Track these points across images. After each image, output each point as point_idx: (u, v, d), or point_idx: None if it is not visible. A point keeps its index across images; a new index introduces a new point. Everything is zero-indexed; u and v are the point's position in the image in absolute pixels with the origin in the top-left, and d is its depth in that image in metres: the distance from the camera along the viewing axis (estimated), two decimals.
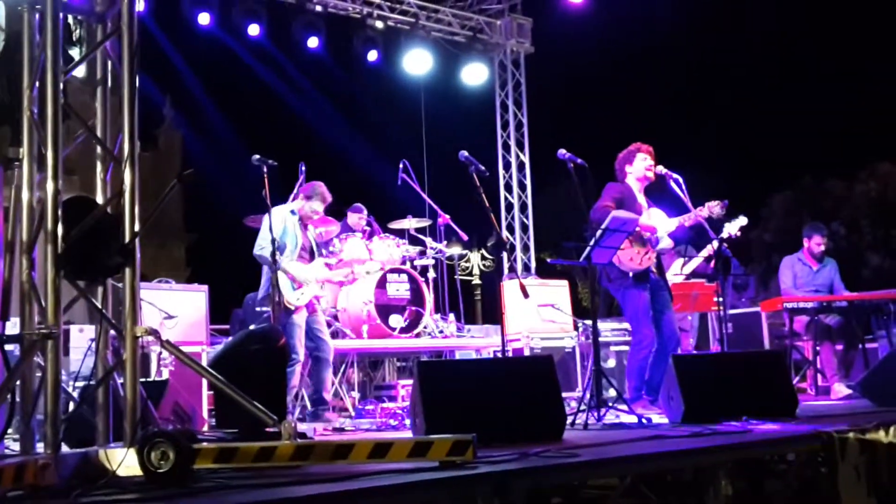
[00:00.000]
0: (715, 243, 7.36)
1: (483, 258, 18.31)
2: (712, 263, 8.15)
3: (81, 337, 7.49)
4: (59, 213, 3.68)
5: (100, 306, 3.92)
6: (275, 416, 3.74)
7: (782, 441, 4.52)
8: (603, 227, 6.30)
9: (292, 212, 7.32)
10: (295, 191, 7.80)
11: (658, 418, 5.90)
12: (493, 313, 9.17)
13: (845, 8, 24.98)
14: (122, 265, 3.77)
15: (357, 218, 9.35)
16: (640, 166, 7.05)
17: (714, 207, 6.89)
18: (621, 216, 6.42)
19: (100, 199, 4.04)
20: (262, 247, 7.04)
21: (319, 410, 7.08)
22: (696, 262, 8.91)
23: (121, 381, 3.81)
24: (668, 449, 4.11)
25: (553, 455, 3.80)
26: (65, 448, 3.84)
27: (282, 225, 7.10)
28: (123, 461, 3.48)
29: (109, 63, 4.16)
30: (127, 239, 3.79)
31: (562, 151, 6.67)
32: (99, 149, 4.07)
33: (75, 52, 4.37)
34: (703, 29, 25.22)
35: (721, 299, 7.57)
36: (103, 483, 3.33)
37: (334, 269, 8.00)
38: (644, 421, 5.65)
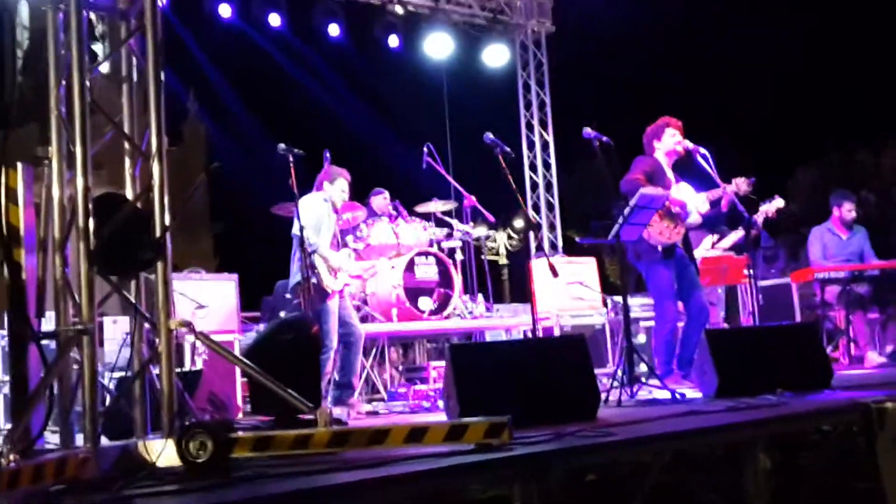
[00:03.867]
0: (748, 225, 7.31)
1: (509, 238, 18.31)
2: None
3: (115, 328, 7.56)
4: (90, 209, 3.71)
5: (133, 300, 3.96)
6: (310, 404, 3.77)
7: (819, 413, 4.49)
8: (631, 204, 6.27)
9: (325, 200, 7.33)
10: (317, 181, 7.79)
11: (691, 393, 5.89)
12: (520, 292, 9.21)
13: None
14: (154, 259, 3.81)
15: (381, 200, 9.36)
16: (669, 141, 7.01)
17: (741, 184, 6.85)
18: (649, 192, 6.39)
19: (129, 195, 4.08)
20: (308, 233, 7.04)
21: (344, 395, 7.05)
22: (729, 240, 8.88)
23: (156, 372, 3.85)
24: (704, 424, 4.10)
25: (589, 434, 3.80)
26: (104, 441, 3.90)
27: (317, 212, 7.13)
28: (162, 452, 3.53)
29: (134, 59, 4.19)
30: (157, 233, 3.82)
31: (587, 130, 6.64)
32: (127, 144, 4.10)
33: (98, 48, 4.40)
34: (726, 1, 24.99)
35: (751, 272, 7.53)
36: (143, 475, 3.37)
37: (359, 260, 8.03)
38: (678, 396, 5.64)
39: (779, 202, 7.44)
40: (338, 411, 6.48)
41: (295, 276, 7.11)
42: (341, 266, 7.17)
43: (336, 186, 7.35)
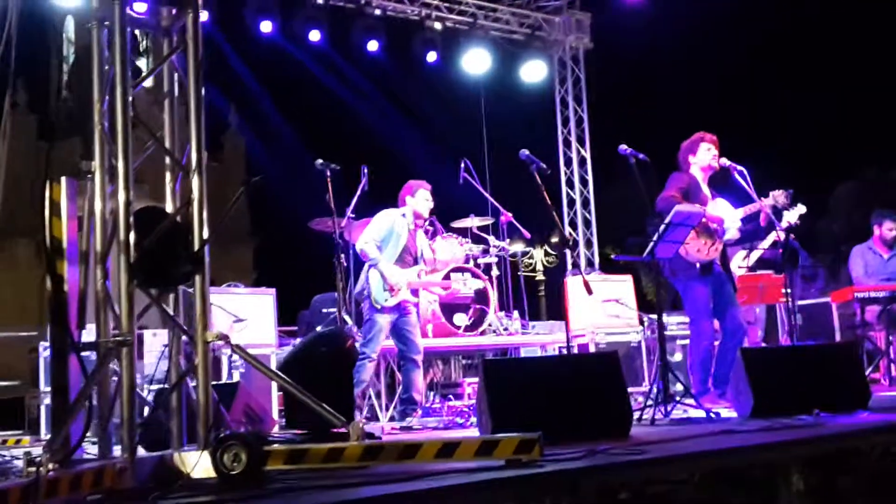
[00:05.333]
0: (780, 233, 7.26)
1: (546, 254, 18.27)
2: (779, 249, 8.04)
3: (155, 341, 7.68)
4: (131, 223, 3.78)
5: (171, 313, 4.03)
6: (343, 418, 3.80)
7: (856, 434, 4.45)
8: (666, 221, 6.24)
9: (403, 215, 7.45)
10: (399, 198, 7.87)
11: (727, 412, 5.85)
12: (557, 309, 9.19)
13: None
14: (193, 272, 3.87)
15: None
16: (704, 156, 6.98)
17: (779, 196, 6.81)
18: (685, 210, 6.36)
19: (169, 209, 4.15)
20: (365, 241, 7.29)
21: (408, 409, 7.18)
22: (758, 252, 8.79)
23: (193, 385, 3.90)
24: (737, 444, 4.09)
25: (620, 452, 3.80)
26: (141, 451, 3.96)
27: (388, 226, 7.25)
28: (198, 464, 3.57)
29: (176, 75, 4.27)
30: (196, 247, 3.88)
31: (623, 147, 6.63)
32: (168, 159, 4.18)
33: (142, 63, 4.50)
34: (763, 17, 24.84)
35: (789, 291, 7.47)
36: (179, 485, 3.42)
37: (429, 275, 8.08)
38: (712, 415, 5.60)
39: (801, 208, 7.37)
40: (388, 426, 6.60)
41: (360, 285, 7.29)
42: (398, 283, 7.21)
43: (419, 197, 7.51)
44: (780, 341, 9.48)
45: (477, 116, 14.84)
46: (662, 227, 6.24)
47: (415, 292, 7.54)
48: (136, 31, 4.85)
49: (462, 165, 9.40)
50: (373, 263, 7.16)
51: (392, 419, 7.31)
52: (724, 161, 6.93)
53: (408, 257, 7.45)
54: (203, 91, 4.01)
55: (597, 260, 13.86)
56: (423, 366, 8.87)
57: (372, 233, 7.25)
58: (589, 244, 13.93)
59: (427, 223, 9.31)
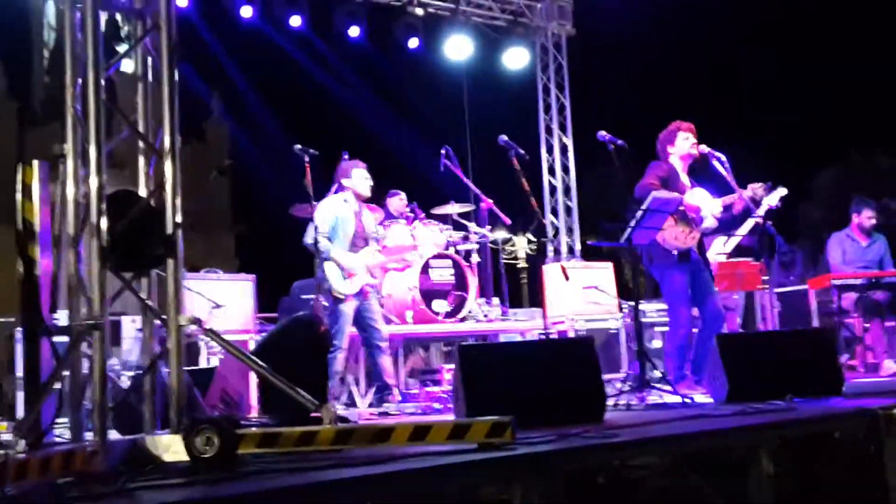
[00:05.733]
0: (757, 219, 7.30)
1: (529, 242, 18.29)
2: (755, 237, 8.09)
3: (133, 327, 7.66)
4: (104, 207, 3.77)
5: (144, 297, 4.02)
6: (316, 401, 3.81)
7: (827, 419, 4.49)
8: (643, 207, 6.27)
9: (345, 200, 7.37)
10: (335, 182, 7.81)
11: (702, 398, 5.89)
12: (538, 296, 9.19)
13: None
14: (165, 256, 3.86)
15: (398, 201, 9.41)
16: (682, 145, 7.00)
17: (757, 189, 6.85)
18: (662, 196, 6.39)
19: (143, 193, 4.14)
20: (311, 235, 7.15)
21: (385, 395, 7.18)
22: (735, 239, 8.83)
23: (166, 369, 3.90)
24: (709, 427, 4.12)
25: (592, 436, 3.82)
26: (115, 435, 3.96)
27: (333, 215, 7.17)
28: (170, 447, 3.58)
29: (150, 59, 4.25)
30: (169, 230, 3.88)
31: (602, 133, 6.66)
32: (141, 143, 4.16)
33: (124, 48, 4.46)
34: (748, 5, 24.88)
35: (767, 277, 7.51)
36: (150, 469, 3.42)
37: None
38: (687, 401, 5.65)
39: (781, 191, 7.41)
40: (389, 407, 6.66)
41: (316, 278, 7.24)
42: (356, 268, 7.20)
43: (356, 177, 7.41)
44: (758, 328, 9.54)
45: (459, 103, 14.83)
46: (639, 213, 6.27)
47: (373, 274, 7.52)
48: (118, 16, 4.82)
49: (443, 152, 9.39)
50: (325, 256, 7.07)
51: (371, 405, 7.32)
52: (704, 148, 6.96)
53: (359, 241, 7.39)
54: (176, 74, 4.00)
55: (578, 247, 13.88)
56: (403, 352, 8.92)
57: (318, 225, 7.12)
58: (570, 231, 13.95)
59: (406, 206, 9.33)
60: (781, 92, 26.60)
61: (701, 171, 7.16)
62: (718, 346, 5.69)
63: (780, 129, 26.02)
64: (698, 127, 7.08)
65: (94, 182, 3.77)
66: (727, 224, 7.31)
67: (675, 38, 24.68)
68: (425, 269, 8.57)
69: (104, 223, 3.75)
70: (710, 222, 6.99)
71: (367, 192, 7.51)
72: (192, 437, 3.51)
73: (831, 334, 7.08)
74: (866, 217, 9.02)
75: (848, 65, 26.12)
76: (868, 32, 25.66)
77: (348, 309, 7.14)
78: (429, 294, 8.51)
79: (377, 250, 7.69)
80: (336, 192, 7.50)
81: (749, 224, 8.26)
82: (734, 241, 8.88)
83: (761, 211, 7.34)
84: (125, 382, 5.59)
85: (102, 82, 3.84)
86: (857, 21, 25.93)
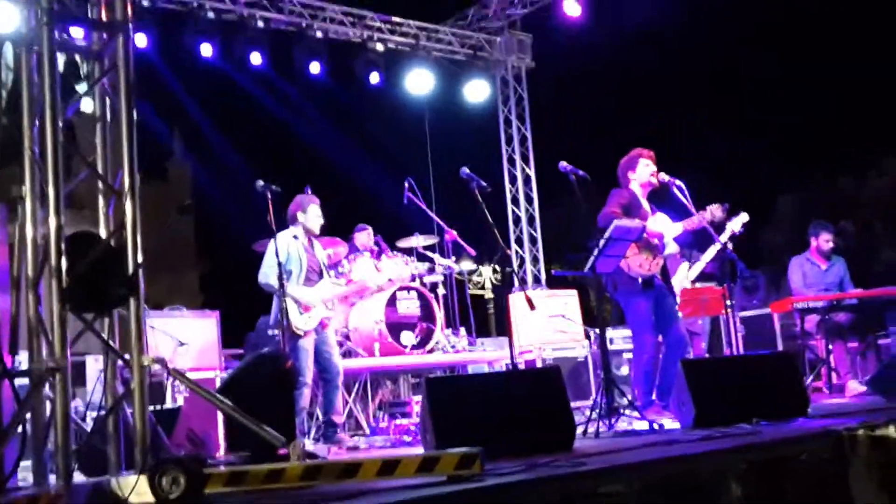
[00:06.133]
0: (718, 245, 7.39)
1: (494, 272, 18.35)
2: (718, 264, 8.17)
3: (97, 367, 7.57)
4: (63, 247, 3.74)
5: (106, 337, 3.98)
6: (283, 438, 3.78)
7: (792, 441, 4.51)
8: (606, 236, 6.32)
9: (294, 237, 7.36)
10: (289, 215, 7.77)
11: (670, 424, 5.91)
12: (505, 326, 9.22)
13: (850, 5, 24.95)
14: (127, 296, 3.83)
15: (365, 236, 9.43)
16: (643, 172, 7.08)
17: (715, 211, 6.93)
18: (624, 224, 6.44)
19: (102, 233, 4.11)
20: (265, 274, 7.12)
21: (329, 433, 7.11)
22: (699, 265, 8.92)
23: (130, 410, 3.86)
24: (677, 453, 4.13)
25: (562, 465, 3.82)
26: (80, 478, 3.90)
27: (285, 251, 7.11)
28: (135, 489, 3.53)
29: (108, 99, 4.24)
30: (130, 270, 3.85)
31: (563, 164, 6.72)
32: (100, 183, 4.14)
33: (83, 89, 4.44)
34: (703, 34, 25.23)
35: (730, 302, 7.58)
36: None
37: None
38: (656, 427, 5.67)
39: (743, 217, 7.52)
40: (335, 448, 6.52)
41: (273, 316, 7.19)
42: (313, 302, 7.18)
43: (310, 213, 7.42)
44: (723, 352, 9.61)
45: (421, 136, 14.87)
46: (602, 241, 6.32)
47: (330, 307, 7.48)
48: (77, 58, 4.80)
49: (406, 185, 9.43)
50: (278, 293, 6.98)
51: (317, 441, 7.21)
52: (663, 176, 7.05)
53: (313, 275, 7.39)
54: (135, 114, 3.99)
55: (543, 276, 13.94)
56: (371, 385, 8.89)
57: (270, 263, 7.05)
58: (535, 260, 14.01)
59: (373, 243, 9.35)
60: (738, 119, 26.91)
61: (661, 197, 7.24)
62: (684, 371, 5.73)
63: (740, 157, 26.35)
64: (658, 157, 7.17)
65: (52, 223, 3.74)
66: (687, 245, 7.38)
67: (632, 68, 24.96)
68: (392, 301, 8.57)
69: (64, 264, 3.72)
70: (672, 248, 7.07)
71: (317, 230, 7.52)
72: (158, 478, 3.46)
73: (795, 357, 7.15)
74: (824, 240, 9.14)
75: (803, 90, 26.55)
76: (825, 58, 26.12)
77: (307, 344, 7.11)
78: (396, 326, 8.52)
79: (333, 283, 7.68)
80: (290, 226, 7.47)
81: (712, 250, 8.35)
82: (698, 268, 8.97)
83: (725, 237, 7.43)
84: (90, 423, 5.51)
85: (60, 124, 3.82)
86: (811, 46, 26.40)
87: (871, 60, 24.98)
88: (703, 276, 9.24)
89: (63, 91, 3.98)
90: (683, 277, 8.93)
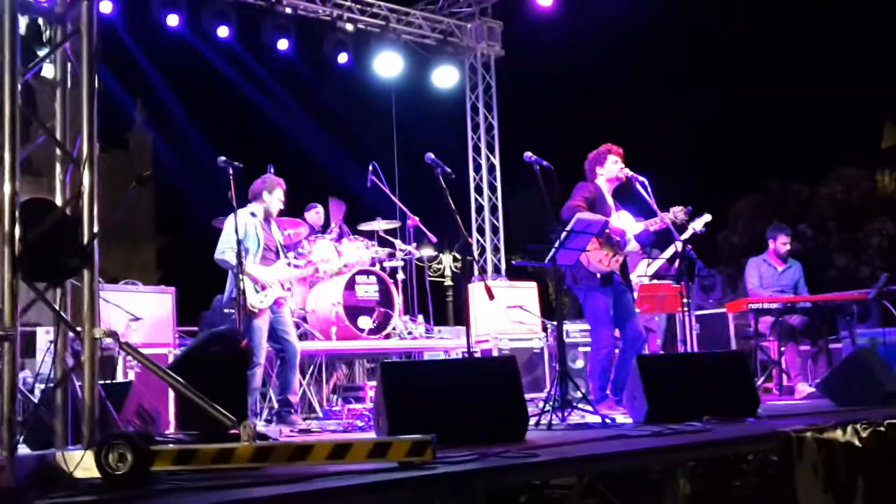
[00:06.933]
0: (678, 244, 7.46)
1: (455, 260, 18.36)
2: (675, 264, 8.24)
3: (47, 338, 7.45)
4: (17, 214, 3.66)
5: (58, 308, 3.91)
6: (234, 418, 3.74)
7: (741, 440, 4.56)
8: (568, 228, 6.34)
9: (252, 214, 7.29)
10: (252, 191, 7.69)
11: (622, 418, 5.95)
12: (463, 314, 9.22)
13: (810, 11, 25.30)
14: (80, 267, 3.76)
15: (314, 214, 9.38)
16: (611, 168, 7.11)
17: (679, 213, 7.01)
18: (586, 218, 6.46)
19: (58, 201, 4.03)
20: (222, 251, 7.05)
21: (283, 412, 7.07)
22: (658, 262, 8.98)
23: (79, 383, 3.80)
24: (627, 448, 4.15)
25: (512, 455, 3.82)
26: (25, 450, 3.83)
27: (242, 229, 7.03)
28: (81, 463, 3.48)
29: (69, 64, 4.15)
30: (85, 241, 3.78)
31: (528, 154, 6.72)
32: (58, 150, 4.06)
33: (44, 53, 4.35)
34: (672, 33, 25.41)
35: (686, 300, 7.64)
36: (60, 486, 3.32)
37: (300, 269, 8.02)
38: (608, 421, 5.69)
39: (706, 217, 7.60)
40: (287, 429, 6.47)
41: (227, 293, 7.13)
42: (269, 282, 7.14)
43: (274, 196, 7.37)
44: (678, 349, 9.69)
45: (387, 120, 14.80)
46: (564, 233, 6.33)
47: (286, 287, 7.44)
48: (40, 21, 4.70)
49: (370, 168, 9.38)
50: (234, 270, 6.90)
51: (269, 422, 7.17)
52: (627, 171, 7.08)
53: (269, 254, 7.34)
54: (97, 80, 3.91)
55: (504, 266, 13.96)
56: (326, 368, 8.84)
57: (229, 240, 6.98)
58: (496, 250, 14.03)
59: (336, 227, 9.30)
60: (699, 118, 27.16)
61: (624, 194, 7.28)
62: (638, 366, 5.76)
63: (700, 156, 26.62)
64: (623, 150, 7.19)
65: (7, 189, 3.66)
66: (648, 243, 7.43)
67: (601, 62, 25.06)
68: (350, 285, 8.53)
69: (17, 231, 3.64)
70: (632, 245, 7.12)
71: (275, 213, 7.50)
72: (105, 454, 3.41)
73: (747, 357, 7.22)
74: (781, 243, 9.23)
75: (763, 90, 26.84)
76: (783, 60, 26.41)
77: (262, 323, 7.06)
78: (353, 310, 8.47)
79: (292, 262, 7.62)
80: (251, 202, 7.41)
81: (669, 251, 8.42)
82: (657, 265, 9.03)
83: (686, 235, 7.50)
84: (38, 395, 5.43)
85: (19, 87, 3.73)
86: (771, 49, 26.68)
87: (828, 72, 25.35)
88: (656, 274, 9.31)
89: (23, 54, 3.89)
90: (642, 274, 8.99)
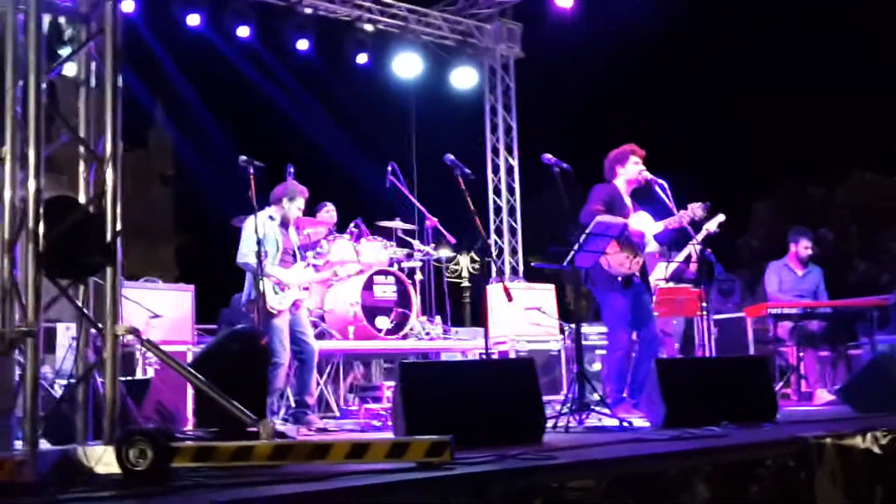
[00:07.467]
0: (695, 245, 7.41)
1: (472, 261, 18.36)
2: (692, 265, 8.21)
3: (68, 335, 7.52)
4: (41, 211, 3.70)
5: (81, 305, 3.94)
6: (254, 416, 3.76)
7: (759, 446, 4.54)
8: (587, 231, 6.33)
9: (271, 217, 7.33)
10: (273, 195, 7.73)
11: (640, 422, 5.93)
12: (480, 316, 9.24)
13: (828, 15, 25.10)
14: (104, 264, 3.79)
15: (324, 212, 9.42)
16: (632, 170, 7.08)
17: (696, 209, 6.95)
18: (605, 220, 6.45)
19: (82, 199, 4.06)
20: (244, 255, 7.09)
21: (299, 413, 7.09)
22: (674, 264, 8.95)
23: (101, 379, 3.82)
24: (644, 452, 4.15)
25: (530, 457, 3.82)
26: (46, 445, 3.87)
27: (261, 231, 7.07)
28: (101, 458, 3.50)
29: (93, 64, 4.18)
30: (108, 238, 3.81)
31: (547, 156, 6.72)
32: (82, 148, 4.09)
33: (67, 52, 4.39)
34: (691, 34, 25.29)
35: (705, 304, 7.61)
36: (81, 480, 3.34)
37: (319, 271, 8.05)
38: (625, 424, 5.68)
39: (719, 217, 7.56)
40: (304, 428, 6.50)
41: (246, 294, 7.17)
42: (290, 283, 7.17)
43: (294, 204, 7.40)
44: (695, 353, 9.65)
45: (406, 120, 14.80)
46: (583, 236, 6.33)
47: (305, 288, 7.48)
48: (62, 20, 4.73)
49: (389, 168, 9.39)
50: (255, 273, 6.96)
51: (285, 421, 7.20)
52: (647, 175, 7.05)
53: (287, 257, 7.39)
54: (120, 80, 3.94)
55: (521, 268, 13.95)
56: (343, 367, 8.87)
57: (250, 244, 7.04)
58: (514, 252, 14.01)
59: (353, 225, 9.32)
60: (717, 123, 27.01)
61: (642, 194, 7.25)
62: (657, 370, 5.74)
63: (721, 159, 26.47)
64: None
65: (31, 186, 3.69)
66: (667, 243, 7.41)
67: (620, 64, 24.97)
68: (368, 285, 8.55)
69: (41, 228, 3.67)
70: (652, 246, 7.09)
71: (293, 221, 7.57)
72: (125, 449, 3.43)
73: (766, 362, 7.19)
74: (803, 247, 9.19)
75: (779, 95, 26.68)
76: (799, 65, 26.25)
77: (282, 324, 7.10)
78: (371, 310, 8.49)
79: (308, 264, 7.66)
80: (272, 205, 7.45)
81: (685, 252, 8.38)
82: (672, 267, 9.00)
83: (700, 236, 7.45)
84: (58, 391, 5.47)
85: (44, 86, 3.77)
86: (788, 54, 26.53)
87: (845, 73, 25.18)
88: (674, 276, 9.26)
89: (46, 53, 3.92)
90: (660, 277, 8.96)
